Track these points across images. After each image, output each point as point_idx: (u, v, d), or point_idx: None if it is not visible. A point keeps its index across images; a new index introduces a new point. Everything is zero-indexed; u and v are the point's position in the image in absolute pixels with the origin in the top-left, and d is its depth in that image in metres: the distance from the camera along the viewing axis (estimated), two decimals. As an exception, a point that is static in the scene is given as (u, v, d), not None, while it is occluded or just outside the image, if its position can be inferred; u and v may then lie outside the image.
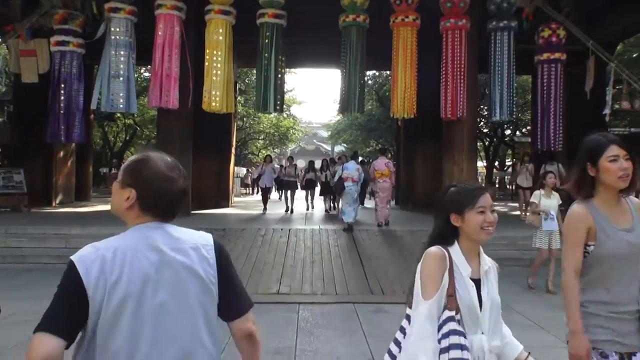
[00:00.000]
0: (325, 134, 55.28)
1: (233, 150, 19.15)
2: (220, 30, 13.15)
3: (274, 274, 8.55)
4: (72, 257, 1.65)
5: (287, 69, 32.41)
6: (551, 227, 8.01)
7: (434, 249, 2.30)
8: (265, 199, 16.66)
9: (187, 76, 13.31)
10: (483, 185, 2.36)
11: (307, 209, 17.15)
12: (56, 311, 1.58)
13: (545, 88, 13.94)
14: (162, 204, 1.80)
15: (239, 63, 19.53)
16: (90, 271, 1.60)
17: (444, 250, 2.28)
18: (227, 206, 17.60)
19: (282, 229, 11.63)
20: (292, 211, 16.19)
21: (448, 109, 13.18)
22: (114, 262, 1.63)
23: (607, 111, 13.52)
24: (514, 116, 30.26)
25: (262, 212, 15.90)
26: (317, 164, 17.91)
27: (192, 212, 14.85)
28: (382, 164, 12.99)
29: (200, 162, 16.54)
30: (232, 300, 1.85)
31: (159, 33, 12.75)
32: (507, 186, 33.58)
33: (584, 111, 16.16)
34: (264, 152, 40.02)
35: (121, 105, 12.71)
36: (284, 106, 35.22)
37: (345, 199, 12.63)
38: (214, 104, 13.05)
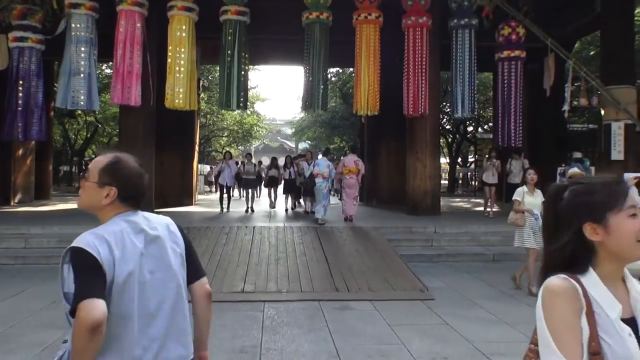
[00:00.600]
0: (289, 131, 55.16)
1: (196, 148, 18.96)
2: (183, 27, 13.05)
3: (238, 272, 8.50)
4: (76, 244, 1.89)
5: (251, 66, 32.30)
6: (536, 225, 7.69)
7: (558, 280, 1.52)
8: (222, 198, 15.87)
9: (149, 73, 13.16)
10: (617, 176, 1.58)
11: (270, 207, 16.61)
12: (89, 283, 1.84)
13: (505, 85, 14.22)
14: (138, 195, 2.15)
15: (202, 60, 19.35)
16: (100, 251, 1.89)
17: (574, 282, 1.51)
18: (191, 204, 17.42)
19: (246, 227, 11.56)
20: (252, 210, 15.56)
21: (410, 106, 13.31)
22: (116, 243, 1.95)
23: (566, 108, 13.81)
24: (476, 113, 30.74)
25: (220, 211, 15.25)
26: (281, 161, 17.82)
27: (155, 210, 14.63)
28: (352, 162, 13.07)
29: (163, 160, 16.35)
30: (193, 267, 2.22)
31: (120, 29, 12.59)
32: (470, 182, 34.07)
33: (544, 108, 16.53)
34: (227, 149, 39.83)
35: (82, 103, 12.50)
36: (248, 103, 34.95)
37: (317, 195, 12.86)
38: (177, 101, 12.94)
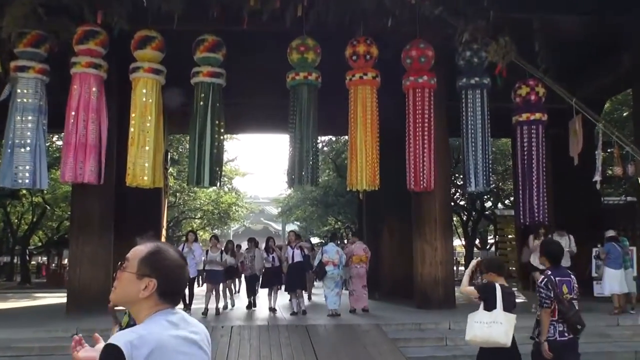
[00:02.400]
0: (274, 210, 55.44)
1: (164, 232, 19.00)
2: (149, 92, 13.30)
3: (212, 382, 8.35)
4: (113, 341, 2.03)
5: (228, 135, 32.84)
6: None
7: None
8: (184, 299, 13.60)
9: (107, 145, 13.33)
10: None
11: (222, 309, 14.99)
12: None
13: (526, 152, 14.47)
14: (179, 290, 2.34)
15: (170, 129, 19.68)
16: (133, 356, 2.02)
17: None
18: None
19: (222, 327, 11.45)
20: (217, 313, 14.23)
21: (418, 179, 13.48)
22: (159, 348, 2.08)
23: (597, 178, 13.99)
24: (493, 185, 31.11)
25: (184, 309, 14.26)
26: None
27: (117, 308, 14.48)
28: (361, 249, 14.19)
29: (124, 247, 15.87)
30: None
31: (73, 94, 12.84)
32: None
33: (572, 178, 16.79)
34: (202, 233, 39.78)
35: (27, 180, 12.59)
36: (224, 179, 35.13)
37: (328, 284, 13.63)
38: (140, 177, 13.05)
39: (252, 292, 15.61)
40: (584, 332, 7.44)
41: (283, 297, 15.67)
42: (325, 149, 31.83)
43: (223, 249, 15.52)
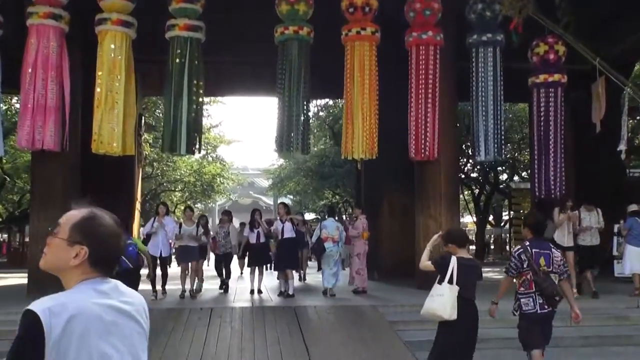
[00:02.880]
0: (265, 183, 55.53)
1: (137, 206, 19.10)
2: (118, 47, 13.22)
3: (188, 369, 8.53)
4: (32, 307, 2.10)
5: (210, 98, 32.81)
6: None
7: None
8: (153, 275, 13.43)
9: (71, 108, 13.33)
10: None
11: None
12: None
13: (542, 118, 14.52)
14: (112, 260, 2.39)
15: (144, 90, 19.69)
16: (52, 324, 2.07)
17: None
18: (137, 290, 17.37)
19: (201, 309, 11.58)
20: (192, 296, 13.98)
21: (419, 147, 13.53)
22: (78, 316, 2.12)
23: (622, 147, 14.04)
24: (509, 156, 31.23)
25: (152, 296, 13.40)
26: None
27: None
28: (366, 224, 14.53)
29: (92, 222, 16.40)
30: None
31: (30, 50, 12.73)
32: (505, 246, 34.20)
33: (595, 148, 16.86)
34: (181, 207, 39.75)
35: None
36: (206, 147, 35.19)
37: (326, 261, 14.07)
38: (109, 144, 13.04)
39: (223, 274, 15.40)
40: (601, 314, 7.74)
41: (272, 279, 15.83)
42: (321, 113, 31.89)
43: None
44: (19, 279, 18.01)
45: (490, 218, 42.61)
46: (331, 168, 33.54)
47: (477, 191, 33.99)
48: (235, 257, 16.54)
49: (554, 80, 14.47)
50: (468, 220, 46.50)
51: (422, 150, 13.49)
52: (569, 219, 13.26)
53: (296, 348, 9.37)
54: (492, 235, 41.34)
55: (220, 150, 38.64)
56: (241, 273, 19.54)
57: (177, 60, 13.44)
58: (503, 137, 15.38)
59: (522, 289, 6.92)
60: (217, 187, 37.70)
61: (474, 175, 34.37)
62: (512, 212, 31.55)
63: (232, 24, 15.40)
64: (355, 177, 23.28)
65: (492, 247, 42.73)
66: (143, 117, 19.57)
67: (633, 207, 14.16)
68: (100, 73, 13.15)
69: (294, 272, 14.87)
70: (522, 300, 6.94)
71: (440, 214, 14.36)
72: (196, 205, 40.25)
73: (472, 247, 35.68)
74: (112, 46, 13.23)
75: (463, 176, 33.53)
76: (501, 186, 33.75)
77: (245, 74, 20.08)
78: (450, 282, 6.38)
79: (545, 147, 14.40)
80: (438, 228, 14.24)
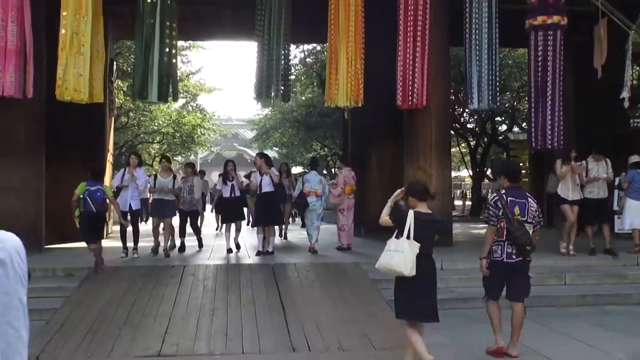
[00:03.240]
0: (250, 134, 55.39)
1: (109, 158, 18.97)
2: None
3: (155, 329, 8.52)
4: None
5: (190, 43, 32.49)
6: None
7: None
8: (123, 232, 13.81)
9: (35, 52, 13.14)
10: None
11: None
12: None
13: (540, 63, 14.34)
14: None
15: (117, 33, 19.44)
16: None
17: None
18: (103, 237, 17.29)
19: (173, 267, 11.59)
20: (166, 255, 13.77)
21: (406, 94, 13.43)
22: None
23: (625, 94, 14.00)
24: (507, 105, 31.16)
25: (123, 254, 13.60)
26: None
27: (48, 246, 14.63)
28: (351, 178, 14.60)
29: (59, 175, 16.26)
30: None
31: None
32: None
33: (596, 96, 16.77)
34: (159, 160, 39.60)
35: None
36: (185, 95, 34.82)
37: (309, 216, 14.46)
38: (75, 90, 12.88)
39: (183, 232, 14.98)
40: (598, 272, 7.81)
41: (253, 235, 15.77)
42: (308, 60, 31.59)
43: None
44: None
45: (489, 172, 42.71)
46: (319, 118, 33.42)
47: (473, 143, 33.93)
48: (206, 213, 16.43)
49: (552, 22, 14.21)
50: (464, 173, 46.64)
51: (410, 98, 13.38)
52: (572, 170, 13.14)
53: (272, 307, 9.43)
54: (490, 190, 41.45)
55: (201, 100, 38.35)
56: (218, 228, 19.67)
57: (148, 0, 13.24)
58: (499, 85, 15.32)
59: (494, 236, 7.35)
60: (197, 138, 37.43)
61: (470, 126, 34.26)
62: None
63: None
64: (342, 127, 23.18)
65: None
66: (115, 63, 19.31)
67: (634, 159, 14.04)
68: (65, 13, 12.93)
69: (275, 227, 14.81)
70: (492, 247, 7.41)
71: (430, 166, 14.35)
72: (175, 158, 40.13)
73: (468, 203, 35.86)
74: (78, -16, 13.02)
75: (459, 127, 33.52)
76: (500, 137, 33.67)
77: (225, 16, 19.76)
78: (409, 237, 6.59)
79: (542, 94, 14.26)
80: (428, 180, 14.28)
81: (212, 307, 9.41)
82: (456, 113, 31.12)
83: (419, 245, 6.56)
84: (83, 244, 13.36)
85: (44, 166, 14.44)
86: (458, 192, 46.08)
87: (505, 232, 7.21)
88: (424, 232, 6.68)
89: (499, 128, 34.91)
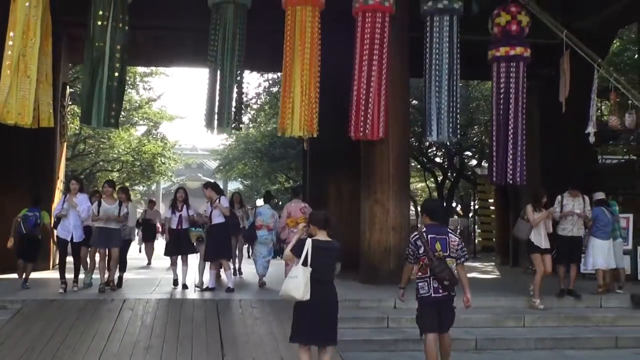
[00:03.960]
0: (215, 164, 55.15)
1: (60, 185, 18.63)
2: (34, 5, 12.78)
3: (83, 368, 8.25)
4: None
5: (152, 69, 32.37)
6: None
7: None
8: (62, 263, 13.20)
9: None
10: None
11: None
12: None
13: (502, 95, 14.37)
14: None
15: (73, 57, 19.25)
16: None
17: None
18: (47, 268, 16.95)
19: (112, 300, 11.33)
20: (112, 286, 13.38)
21: (359, 125, 13.32)
22: None
23: (590, 129, 13.94)
24: (475, 139, 31.23)
25: (60, 289, 12.74)
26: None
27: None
28: (298, 210, 14.09)
29: (5, 201, 16.03)
30: None
31: None
32: (476, 239, 34.15)
33: (566, 131, 16.76)
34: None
35: None
36: (147, 122, 34.55)
37: (259, 249, 14.51)
38: (18, 113, 12.59)
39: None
40: (558, 314, 7.73)
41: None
42: (273, 89, 31.51)
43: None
44: None
45: (459, 208, 42.74)
46: (282, 149, 33.39)
47: (440, 178, 33.96)
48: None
49: (515, 53, 14.28)
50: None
51: (362, 129, 13.25)
52: (548, 216, 12.76)
53: (210, 345, 9.17)
54: (459, 226, 41.43)
55: (163, 128, 38.27)
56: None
57: (99, 23, 13.02)
58: (466, 118, 15.28)
59: (419, 273, 7.79)
60: (157, 167, 37.06)
61: (439, 160, 34.26)
62: (476, 200, 31.55)
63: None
64: (301, 157, 23.06)
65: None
66: (68, 87, 19.03)
67: (599, 196, 13.97)
68: (12, 34, 12.71)
69: (229, 262, 14.31)
70: (419, 284, 7.80)
71: (388, 199, 14.27)
72: (134, 188, 39.77)
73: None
74: (27, 4, 12.82)
75: (425, 160, 33.53)
76: (467, 173, 33.70)
77: (185, 42, 19.64)
78: (305, 263, 7.00)
79: (504, 126, 14.25)
80: (385, 214, 14.21)
81: (147, 345, 9.13)
82: (422, 146, 31.13)
83: (310, 270, 6.95)
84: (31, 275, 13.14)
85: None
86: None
87: (427, 269, 7.63)
88: (322, 259, 7.07)
89: (469, 163, 34.95)
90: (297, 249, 7.17)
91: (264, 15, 13.81)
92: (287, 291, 7.11)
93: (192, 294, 12.84)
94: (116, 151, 35.49)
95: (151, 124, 36.22)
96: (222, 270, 13.89)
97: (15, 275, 14.38)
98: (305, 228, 7.51)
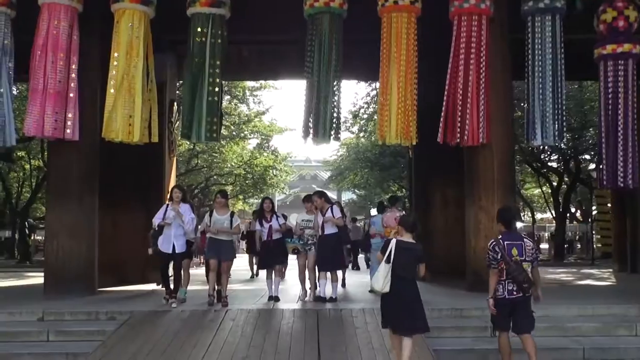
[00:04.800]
0: (327, 175, 55.40)
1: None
2: (137, 26, 13.25)
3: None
4: None
5: (261, 82, 32.89)
6: None
7: None
8: (165, 277, 12.84)
9: (90, 93, 13.63)
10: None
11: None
12: None
13: (610, 95, 13.95)
14: None
15: (176, 74, 19.76)
16: None
17: None
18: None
19: (215, 311, 11.49)
20: (223, 301, 12.40)
21: (458, 130, 13.17)
22: None
23: None
24: (590, 141, 30.27)
25: (164, 301, 12.62)
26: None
27: (103, 289, 14.78)
28: (392, 219, 13.64)
29: (117, 218, 16.52)
30: None
31: (41, 29, 12.90)
32: (595, 245, 33.12)
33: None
34: (232, 203, 39.82)
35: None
36: (256, 135, 35.11)
37: (373, 257, 14.80)
38: (123, 131, 13.06)
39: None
40: None
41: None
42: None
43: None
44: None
45: (578, 214, 41.53)
46: (392, 158, 33.22)
47: (555, 183, 33.06)
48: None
49: (623, 50, 13.85)
50: (546, 215, 45.32)
51: (460, 134, 13.05)
52: None
53: (307, 356, 9.18)
54: (577, 232, 40.28)
55: (275, 141, 38.77)
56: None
57: (197, 40, 13.40)
58: (569, 119, 14.85)
59: (498, 277, 8.48)
60: (269, 180, 37.59)
61: (554, 164, 33.39)
62: (595, 205, 30.61)
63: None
64: (407, 166, 22.90)
65: (578, 245, 41.56)
66: (175, 104, 19.53)
67: None
68: (116, 54, 13.23)
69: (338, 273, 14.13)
70: (498, 286, 8.52)
71: (493, 204, 13.86)
72: (248, 200, 40.38)
73: (545, 247, 34.81)
74: (130, 24, 13.27)
75: (540, 165, 32.72)
76: (583, 176, 32.67)
77: (290, 55, 19.77)
78: (388, 261, 8.06)
79: (613, 127, 13.78)
80: (490, 221, 13.84)
81: (245, 355, 9.20)
82: (535, 151, 30.39)
83: (390, 266, 8.03)
84: (138, 287, 13.38)
85: (97, 208, 14.56)
86: (546, 235, 45.02)
87: (505, 273, 8.35)
88: (404, 258, 8.05)
89: (586, 166, 33.92)
90: (384, 247, 8.25)
91: (361, 23, 13.79)
92: (372, 284, 8.86)
93: (294, 304, 12.78)
94: (229, 165, 36.17)
95: (262, 137, 36.74)
96: (327, 280, 13.17)
97: (130, 287, 14.88)
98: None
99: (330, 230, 13.04)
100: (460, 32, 13.21)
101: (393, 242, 8.14)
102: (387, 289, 8.01)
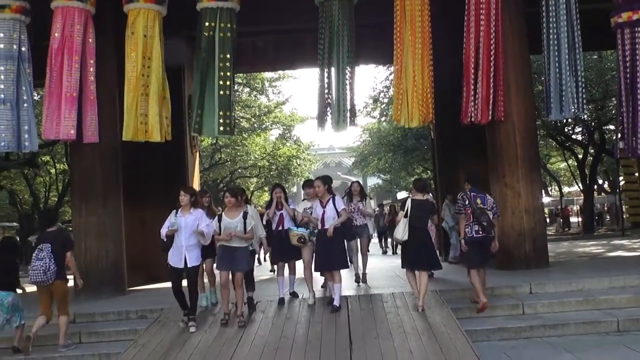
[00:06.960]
0: (351, 162, 55.35)
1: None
2: (151, 26, 13.29)
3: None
4: None
5: (279, 73, 32.82)
6: None
7: None
8: (177, 289, 10.60)
9: (108, 96, 13.70)
10: None
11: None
12: None
13: (628, 64, 13.78)
14: None
15: (192, 69, 19.76)
16: None
17: None
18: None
19: (245, 303, 11.46)
20: (239, 321, 10.35)
21: (471, 107, 13.11)
22: None
23: None
24: (614, 111, 29.94)
25: (181, 321, 10.61)
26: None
27: (134, 288, 14.86)
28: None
29: (145, 216, 16.56)
30: None
31: (55, 34, 12.95)
32: (624, 215, 32.84)
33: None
34: (258, 195, 39.96)
35: (8, 143, 12.81)
36: (277, 126, 35.07)
37: None
38: (143, 130, 13.12)
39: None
40: None
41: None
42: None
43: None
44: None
45: (606, 185, 41.13)
46: (414, 140, 33.08)
47: (581, 155, 32.71)
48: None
49: (639, 17, 13.60)
50: (573, 189, 44.85)
51: (473, 112, 13.06)
52: None
53: (339, 343, 9.20)
54: (606, 204, 39.89)
55: (298, 130, 38.83)
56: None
57: (205, 34, 13.36)
58: (591, 90, 14.67)
59: (466, 221, 10.75)
60: (293, 169, 37.56)
61: (578, 137, 33.10)
62: (622, 176, 30.32)
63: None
64: (432, 148, 22.74)
65: (607, 217, 41.19)
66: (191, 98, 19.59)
67: None
68: (133, 55, 13.24)
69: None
70: (466, 229, 10.75)
71: (518, 181, 13.90)
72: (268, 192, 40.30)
73: (577, 220, 34.52)
74: (144, 25, 13.29)
75: (564, 139, 32.42)
76: (610, 147, 32.34)
77: (305, 43, 19.69)
78: (406, 215, 10.60)
79: (632, 97, 13.59)
80: (516, 198, 13.83)
81: (277, 346, 9.21)
82: (558, 124, 30.09)
83: (407, 219, 10.57)
84: (168, 285, 13.24)
85: (123, 208, 14.62)
86: (574, 208, 44.70)
87: (471, 216, 10.65)
88: (417, 212, 10.58)
89: (611, 136, 33.55)
90: (403, 205, 11.02)
91: (374, 6, 13.71)
92: (394, 234, 11.18)
93: (325, 292, 12.62)
94: (252, 157, 36.19)
95: (284, 127, 36.73)
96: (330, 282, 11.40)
97: (159, 285, 14.98)
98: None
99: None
100: (478, 8, 13.26)
101: (409, 201, 10.76)
102: (405, 237, 10.54)
